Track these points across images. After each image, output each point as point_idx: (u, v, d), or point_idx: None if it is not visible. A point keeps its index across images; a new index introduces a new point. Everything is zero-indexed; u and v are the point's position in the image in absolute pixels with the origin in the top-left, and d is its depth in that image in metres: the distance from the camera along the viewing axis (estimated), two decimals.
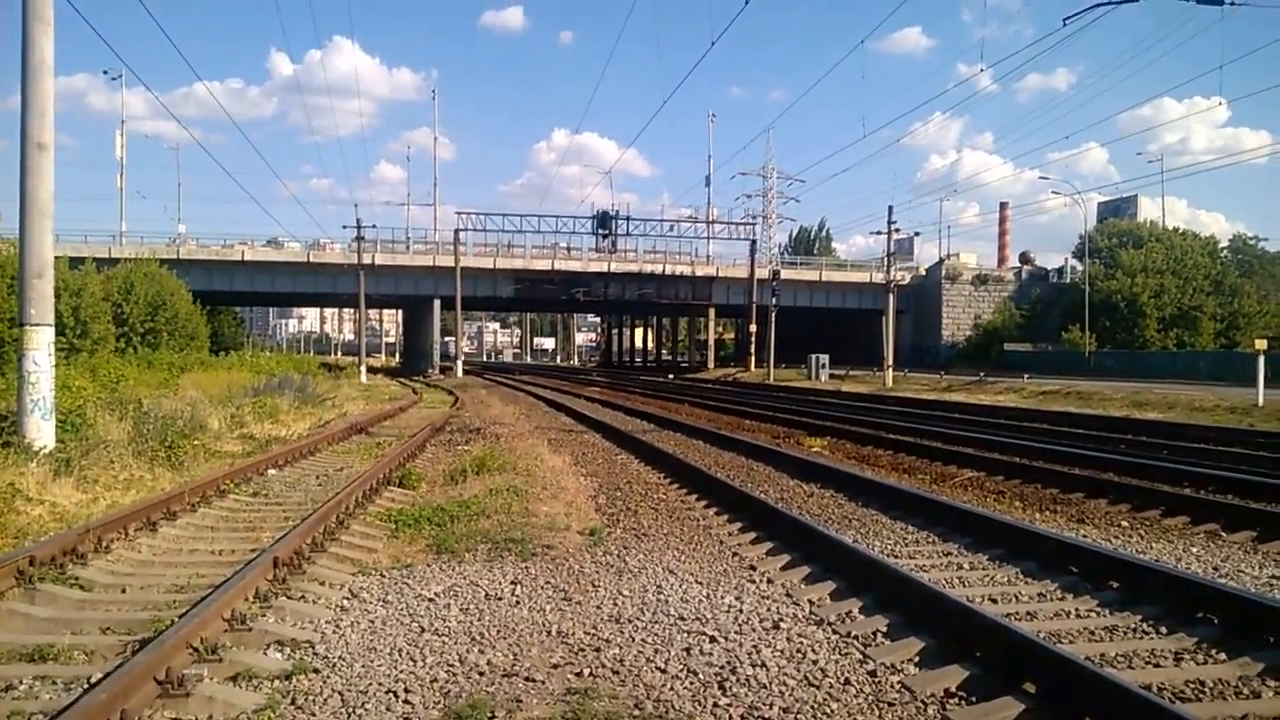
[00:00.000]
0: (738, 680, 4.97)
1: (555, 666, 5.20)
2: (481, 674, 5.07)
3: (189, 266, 59.75)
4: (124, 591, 6.62)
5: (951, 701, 4.72)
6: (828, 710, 4.60)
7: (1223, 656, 5.34)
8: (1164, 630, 5.83)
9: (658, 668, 5.17)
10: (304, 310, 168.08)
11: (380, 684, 4.89)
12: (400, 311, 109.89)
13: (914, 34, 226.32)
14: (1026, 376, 46.73)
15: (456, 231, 68.09)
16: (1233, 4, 22.04)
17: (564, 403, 30.18)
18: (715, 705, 4.65)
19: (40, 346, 11.86)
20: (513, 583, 7.04)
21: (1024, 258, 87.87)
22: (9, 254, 24.70)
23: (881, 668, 5.17)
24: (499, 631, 5.83)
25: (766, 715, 4.53)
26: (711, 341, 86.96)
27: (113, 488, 10.87)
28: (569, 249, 76.00)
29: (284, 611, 6.00)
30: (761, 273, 67.61)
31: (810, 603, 6.52)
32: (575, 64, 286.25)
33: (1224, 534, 9.10)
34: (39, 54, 11.94)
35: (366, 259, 60.00)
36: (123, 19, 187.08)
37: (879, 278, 64.89)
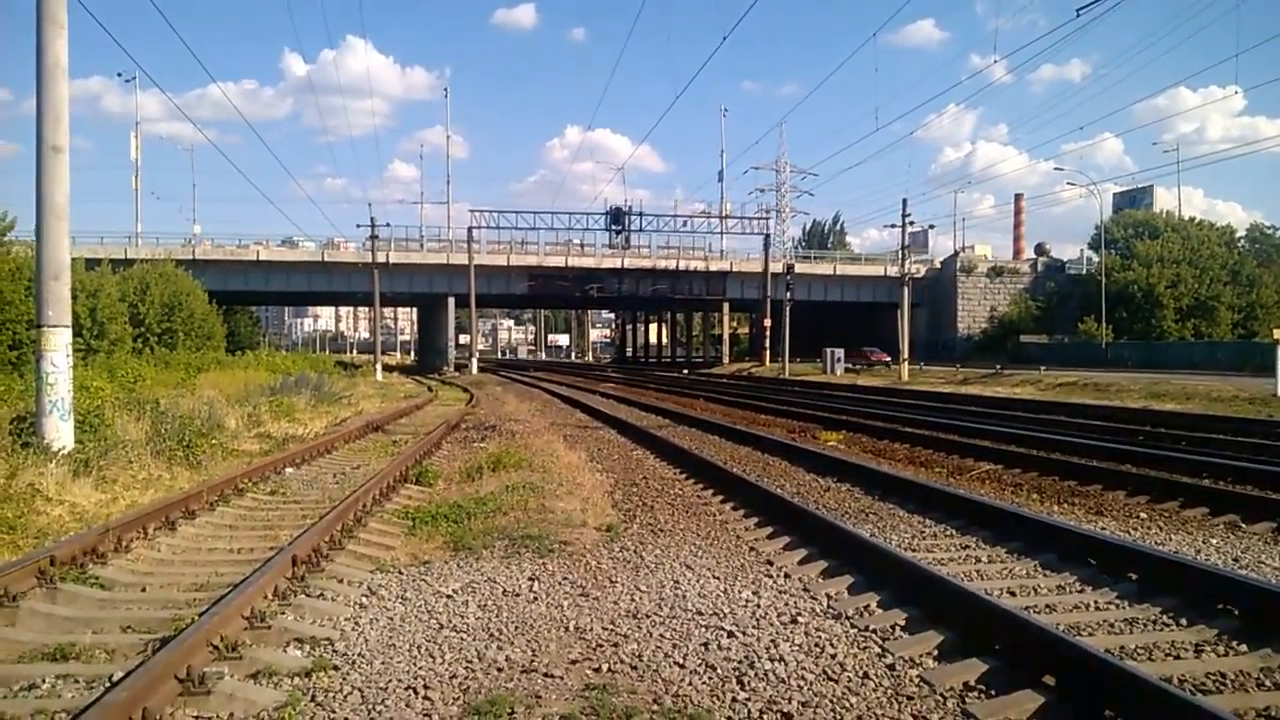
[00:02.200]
0: (756, 675, 4.97)
1: (573, 662, 5.21)
2: (500, 670, 5.08)
3: (204, 267, 60.09)
4: (144, 590, 6.65)
5: (971, 695, 4.71)
6: (847, 704, 4.59)
7: (1244, 648, 5.31)
8: (1184, 622, 5.80)
9: (676, 663, 5.17)
10: (319, 309, 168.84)
11: (400, 681, 4.91)
12: (415, 309, 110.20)
13: (927, 26, 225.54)
14: (1043, 368, 46.59)
15: (470, 229, 68.36)
16: None
17: (579, 399, 30.18)
18: (734, 700, 4.65)
19: (58, 348, 11.93)
20: (530, 579, 7.05)
21: (1039, 249, 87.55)
22: (26, 256, 24.91)
23: (900, 661, 5.15)
24: (517, 628, 5.83)
25: (785, 710, 4.53)
26: (726, 336, 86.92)
27: (131, 487, 10.92)
28: (582, 245, 76.16)
29: (303, 609, 6.02)
30: (775, 267, 67.56)
31: (828, 597, 6.51)
32: (587, 61, 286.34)
33: (1243, 525, 9.04)
34: (53, 57, 12.00)
35: (381, 257, 60.16)
36: (136, 22, 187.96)
37: (894, 271, 64.64)
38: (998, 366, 49.57)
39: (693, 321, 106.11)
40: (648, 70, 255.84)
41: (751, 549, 8.10)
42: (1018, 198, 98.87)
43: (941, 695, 4.69)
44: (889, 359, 60.52)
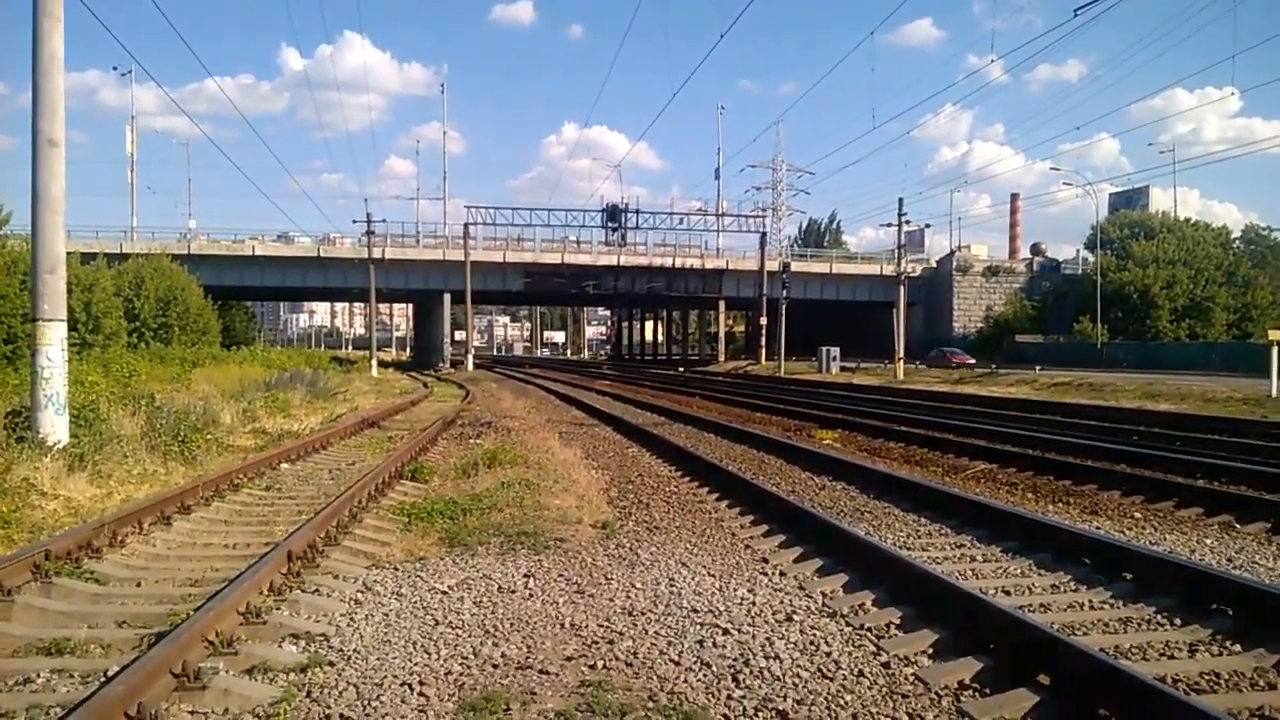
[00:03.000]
0: (751, 672, 4.97)
1: (569, 659, 5.21)
2: (495, 666, 5.08)
3: (200, 261, 59.96)
4: (139, 585, 6.65)
5: (965, 693, 4.71)
6: (841, 702, 4.59)
7: (1237, 648, 5.32)
8: (1178, 622, 5.81)
9: (671, 660, 5.18)
10: (315, 305, 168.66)
11: (395, 676, 4.91)
12: (410, 305, 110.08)
13: (924, 25, 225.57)
14: (1038, 368, 46.68)
15: (466, 225, 68.17)
16: None
17: (575, 396, 30.19)
18: (729, 697, 4.65)
19: (53, 342, 11.91)
20: (525, 575, 7.05)
21: (1035, 249, 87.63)
22: (21, 250, 24.85)
23: (895, 659, 5.16)
24: (512, 624, 5.84)
25: (780, 707, 4.53)
26: (722, 334, 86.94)
27: (126, 482, 10.92)
28: (579, 242, 76.04)
29: (299, 605, 6.02)
30: (772, 265, 67.55)
31: (823, 595, 6.52)
32: (585, 57, 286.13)
33: (1238, 525, 9.06)
34: (49, 50, 11.97)
35: (377, 253, 60.09)
36: (133, 15, 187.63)
37: (889, 270, 64.72)
38: (993, 366, 49.64)
39: (689, 319, 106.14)
40: (645, 68, 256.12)
41: (747, 547, 8.10)
42: (1014, 197, 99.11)
43: (936, 693, 4.69)
44: (973, 361, 57.70)
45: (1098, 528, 8.88)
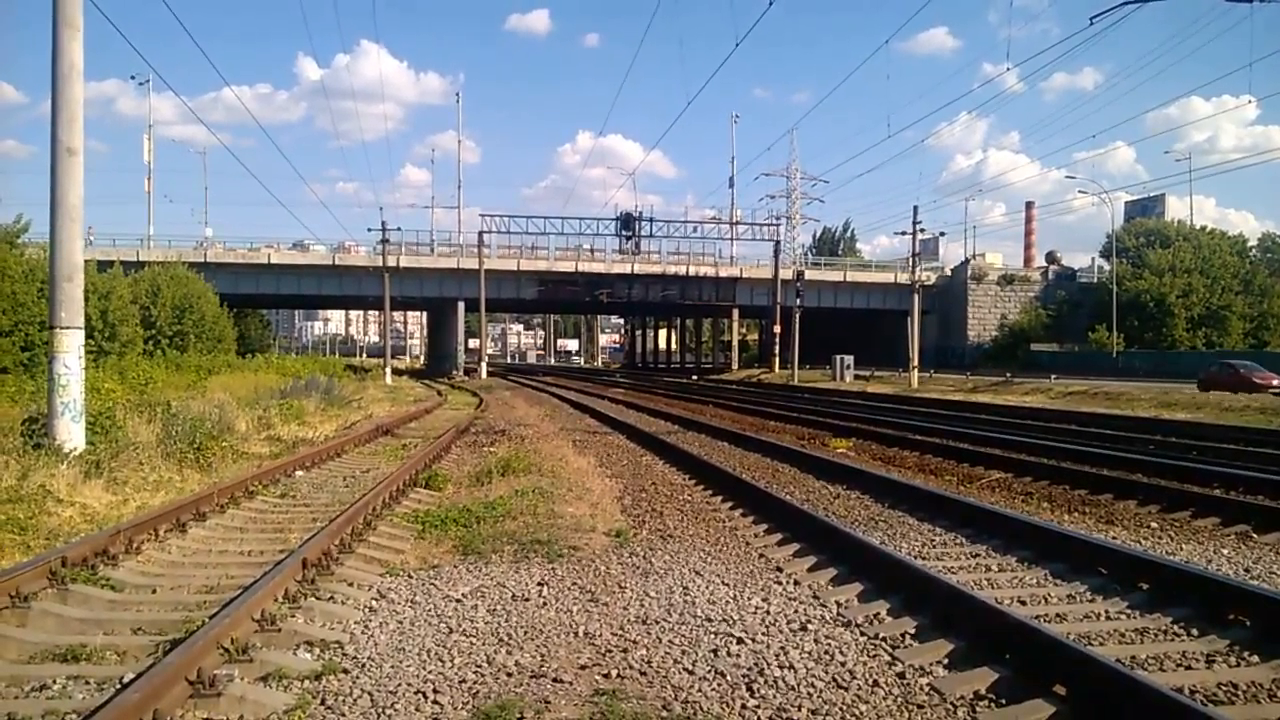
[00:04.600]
0: (765, 682, 4.96)
1: (583, 667, 5.20)
2: (509, 675, 5.08)
3: (216, 269, 60.31)
4: (154, 592, 6.67)
5: (981, 704, 4.69)
6: (856, 712, 4.58)
7: (1255, 659, 5.28)
8: (1195, 632, 5.77)
9: (685, 669, 5.17)
10: (329, 312, 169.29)
11: (409, 684, 4.91)
12: (425, 313, 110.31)
13: (939, 34, 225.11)
14: (1053, 377, 46.40)
15: (481, 234, 68.34)
16: (1262, 0, 21.70)
17: (588, 404, 30.20)
18: (743, 707, 4.64)
19: (70, 349, 11.98)
20: (539, 584, 7.05)
21: (1050, 257, 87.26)
22: (39, 258, 25.04)
23: (910, 669, 5.14)
24: (526, 632, 5.84)
25: (795, 717, 4.52)
26: (735, 343, 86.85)
27: (142, 489, 10.96)
28: (593, 251, 76.13)
29: (313, 612, 6.03)
30: (785, 273, 67.45)
31: (838, 604, 6.49)
32: (600, 66, 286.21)
33: (1255, 535, 9.00)
34: (69, 59, 12.07)
35: (391, 261, 60.28)
36: (151, 25, 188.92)
37: (904, 278, 64.71)
38: (1007, 375, 49.39)
39: (702, 327, 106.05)
40: (660, 76, 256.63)
41: (761, 555, 8.08)
42: (1029, 206, 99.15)
43: (952, 704, 4.67)
44: (1278, 382, 38.79)
45: (1114, 537, 8.82)
